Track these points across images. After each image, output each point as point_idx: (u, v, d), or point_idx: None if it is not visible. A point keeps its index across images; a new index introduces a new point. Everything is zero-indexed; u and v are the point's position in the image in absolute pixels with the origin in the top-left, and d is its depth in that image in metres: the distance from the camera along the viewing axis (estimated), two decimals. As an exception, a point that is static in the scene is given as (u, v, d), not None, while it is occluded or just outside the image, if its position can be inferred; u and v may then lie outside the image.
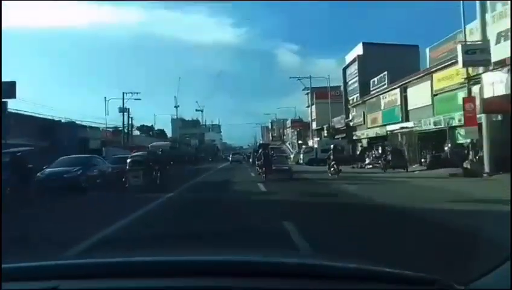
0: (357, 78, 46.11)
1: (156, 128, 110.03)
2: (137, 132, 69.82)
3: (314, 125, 59.62)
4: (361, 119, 41.40)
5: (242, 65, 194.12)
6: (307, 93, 66.59)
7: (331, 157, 22.85)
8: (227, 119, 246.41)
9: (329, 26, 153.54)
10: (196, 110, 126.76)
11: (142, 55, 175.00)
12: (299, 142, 67.69)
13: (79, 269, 1.75)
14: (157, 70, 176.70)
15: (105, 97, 44.03)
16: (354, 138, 41.55)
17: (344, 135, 45.24)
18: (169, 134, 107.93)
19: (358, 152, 42.25)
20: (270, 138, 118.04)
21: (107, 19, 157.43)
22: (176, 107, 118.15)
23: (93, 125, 45.66)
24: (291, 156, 49.59)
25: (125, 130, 53.84)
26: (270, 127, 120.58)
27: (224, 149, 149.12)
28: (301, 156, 42.76)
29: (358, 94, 45.80)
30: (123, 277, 1.60)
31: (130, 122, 52.26)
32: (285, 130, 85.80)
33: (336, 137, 45.98)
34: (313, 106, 60.94)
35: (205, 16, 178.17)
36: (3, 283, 1.51)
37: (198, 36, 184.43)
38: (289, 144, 76.04)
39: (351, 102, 49.63)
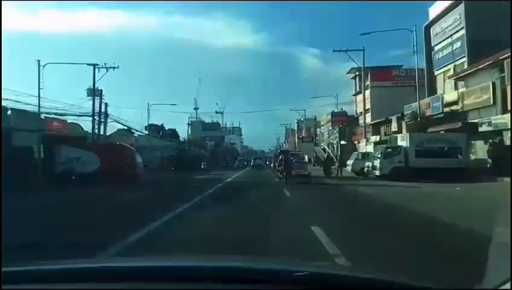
0: (462, 33, 26.27)
1: (166, 128, 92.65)
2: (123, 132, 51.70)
3: (368, 119, 39.83)
4: (489, 96, 21.51)
5: (263, 69, 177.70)
6: (355, 76, 46.87)
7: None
8: (248, 122, 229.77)
9: (351, 30, 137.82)
10: (216, 112, 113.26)
11: (163, 59, 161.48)
12: (342, 142, 47.93)
13: (77, 273, 1.67)
14: (178, 74, 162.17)
15: (38, 60, 25.02)
16: (485, 128, 21.43)
17: (440, 126, 25.25)
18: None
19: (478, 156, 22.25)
20: (296, 140, 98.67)
21: (128, 24, 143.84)
22: (196, 109, 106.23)
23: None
24: (350, 162, 29.37)
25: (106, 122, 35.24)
26: (296, 127, 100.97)
27: (246, 153, 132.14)
28: (378, 162, 22.87)
29: (464, 58, 25.98)
30: (119, 281, 1.54)
31: (103, 111, 33.59)
32: (317, 129, 66.12)
33: (427, 130, 26.00)
34: (367, 92, 41.01)
35: (226, 21, 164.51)
36: (3, 285, 1.46)
37: (219, 41, 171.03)
38: (328, 145, 56.26)
39: (441, 75, 29.76)
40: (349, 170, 27.11)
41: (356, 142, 46.01)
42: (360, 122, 45.22)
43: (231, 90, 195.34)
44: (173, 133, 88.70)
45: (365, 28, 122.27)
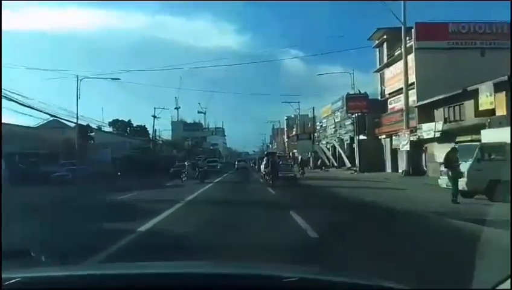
0: None
1: (135, 125, 76.56)
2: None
3: (411, 99, 24.93)
4: None
5: (247, 70, 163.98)
6: (381, 43, 31.90)
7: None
8: (232, 124, 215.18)
9: (334, 32, 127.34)
10: (198, 112, 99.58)
11: (146, 58, 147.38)
12: (360, 137, 32.89)
13: (71, 280, 1.59)
14: (161, 74, 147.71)
15: None
16: None
17: None
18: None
19: None
20: (286, 139, 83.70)
21: (112, 23, 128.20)
22: (177, 108, 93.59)
23: None
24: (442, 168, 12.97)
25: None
26: (285, 125, 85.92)
27: (229, 154, 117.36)
28: None
29: None
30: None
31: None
32: (316, 124, 50.99)
33: None
34: (411, 58, 25.90)
35: (210, 22, 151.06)
36: None
37: (203, 42, 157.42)
38: (337, 141, 40.97)
39: None
40: (445, 184, 11.61)
41: (383, 136, 31.13)
42: (390, 106, 30.37)
43: (214, 90, 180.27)
44: (142, 130, 72.56)
45: (352, 29, 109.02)
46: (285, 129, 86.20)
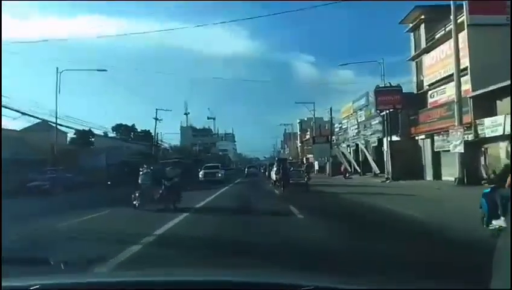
0: None
1: (139, 130, 72.28)
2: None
3: (464, 88, 19.72)
4: None
5: (258, 75, 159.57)
6: (417, 25, 26.69)
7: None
8: (243, 130, 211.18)
9: (345, 38, 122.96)
10: (208, 118, 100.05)
11: (158, 65, 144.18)
12: (393, 138, 27.53)
13: (87, 287, 1.64)
14: (174, 80, 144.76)
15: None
16: None
17: None
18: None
19: None
20: (299, 144, 78.46)
21: (119, 31, 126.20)
22: (186, 114, 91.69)
23: None
24: None
25: None
26: (298, 128, 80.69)
27: (239, 161, 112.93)
28: None
29: None
30: None
31: None
32: (334, 126, 45.68)
33: None
34: (461, 37, 20.54)
35: (221, 28, 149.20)
36: None
37: (214, 48, 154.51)
38: (362, 142, 35.55)
39: None
40: None
41: (422, 136, 25.87)
42: (430, 100, 25.10)
43: (225, 97, 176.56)
44: (146, 135, 68.07)
45: (361, 33, 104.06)
46: (298, 133, 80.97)
